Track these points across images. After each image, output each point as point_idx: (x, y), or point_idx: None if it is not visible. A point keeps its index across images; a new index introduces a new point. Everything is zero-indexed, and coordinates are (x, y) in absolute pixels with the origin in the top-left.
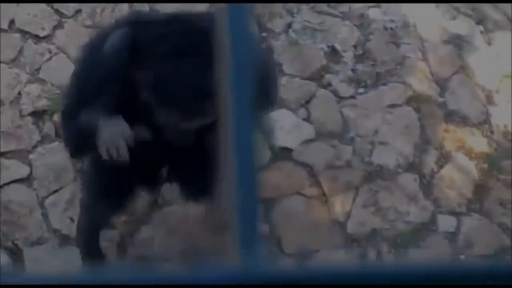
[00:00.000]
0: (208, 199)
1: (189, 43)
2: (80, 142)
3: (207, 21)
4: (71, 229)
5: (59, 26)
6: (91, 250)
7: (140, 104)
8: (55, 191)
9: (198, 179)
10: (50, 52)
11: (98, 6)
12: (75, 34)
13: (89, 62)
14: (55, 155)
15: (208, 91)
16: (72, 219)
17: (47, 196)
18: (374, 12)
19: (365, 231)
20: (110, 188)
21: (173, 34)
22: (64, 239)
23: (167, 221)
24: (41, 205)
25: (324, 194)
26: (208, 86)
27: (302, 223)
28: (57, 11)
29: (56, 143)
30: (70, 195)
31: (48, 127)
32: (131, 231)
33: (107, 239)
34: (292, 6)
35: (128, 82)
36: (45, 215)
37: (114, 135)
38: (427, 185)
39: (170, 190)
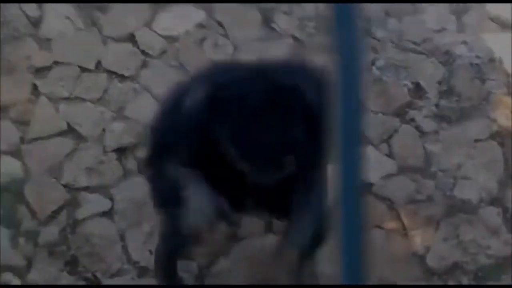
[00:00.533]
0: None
1: (270, 101)
2: (165, 201)
3: (289, 77)
4: (150, 261)
5: (144, 65)
6: (169, 278)
7: (220, 157)
8: (136, 224)
9: (280, 200)
10: (135, 91)
11: (183, 47)
12: (160, 73)
13: (170, 120)
14: (137, 189)
15: (288, 148)
16: (151, 252)
17: (127, 229)
18: (459, 48)
19: (445, 264)
20: None
21: (254, 94)
22: (142, 271)
23: (246, 253)
24: (122, 237)
25: (404, 227)
26: (288, 143)
27: (382, 256)
28: (143, 51)
29: (138, 178)
30: (149, 228)
31: (131, 163)
32: (209, 263)
33: (185, 269)
34: (376, 43)
35: (209, 136)
36: (125, 248)
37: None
38: (510, 219)
39: (249, 221)
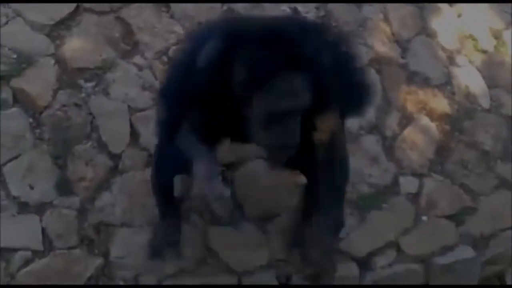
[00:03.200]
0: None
1: (289, 59)
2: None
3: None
4: (30, 196)
5: None
6: (165, 201)
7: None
8: (13, 158)
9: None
10: (7, 16)
11: None
12: None
13: (182, 76)
14: (13, 121)
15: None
16: (31, 186)
17: (4, 164)
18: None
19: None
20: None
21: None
22: (23, 207)
23: (128, 187)
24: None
25: None
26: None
27: (263, 187)
28: None
29: (14, 109)
30: (28, 162)
31: (6, 92)
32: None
33: (67, 206)
34: None
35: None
36: (3, 183)
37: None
38: (389, 146)
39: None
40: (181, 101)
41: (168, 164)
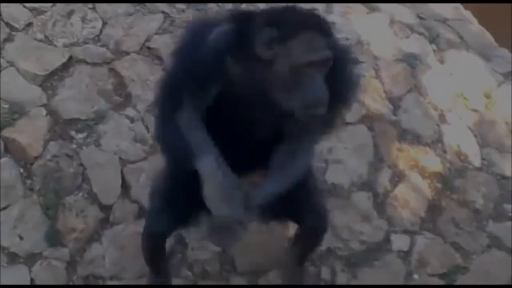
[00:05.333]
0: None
1: (312, 23)
2: (176, 156)
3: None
4: (20, 247)
5: (9, 39)
6: (155, 260)
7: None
8: (4, 208)
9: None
10: None
11: (50, 19)
12: (25, 47)
13: (188, 56)
14: (4, 171)
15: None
16: (20, 237)
17: None
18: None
19: (319, 250)
20: (180, 199)
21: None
22: (12, 257)
23: (118, 239)
24: None
25: None
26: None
27: (256, 243)
28: (7, 24)
29: (5, 159)
30: (18, 212)
31: None
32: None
33: (56, 257)
34: None
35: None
36: None
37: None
38: (381, 204)
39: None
40: (191, 74)
41: (165, 217)
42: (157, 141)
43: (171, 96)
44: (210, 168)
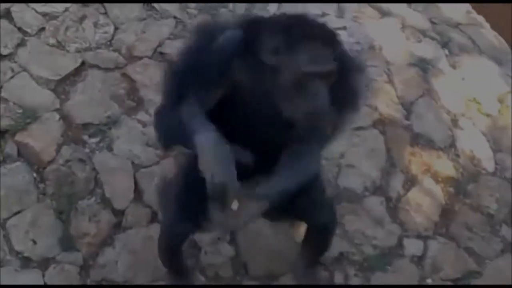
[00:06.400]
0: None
1: (319, 34)
2: (172, 139)
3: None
4: (33, 251)
5: (22, 44)
6: (174, 266)
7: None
8: (17, 213)
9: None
10: (12, 71)
11: (62, 24)
12: (38, 52)
13: (195, 55)
14: (17, 176)
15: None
16: (34, 241)
17: (8, 218)
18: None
19: (332, 255)
20: (193, 204)
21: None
22: (25, 262)
23: (131, 244)
24: (3, 226)
25: None
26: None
27: (266, 247)
28: (19, 29)
29: (18, 163)
30: (32, 217)
31: (10, 147)
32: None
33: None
34: None
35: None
36: (6, 237)
37: (222, 178)
38: (393, 208)
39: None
40: (196, 73)
41: (182, 222)
42: (155, 128)
43: (175, 92)
44: (206, 139)
